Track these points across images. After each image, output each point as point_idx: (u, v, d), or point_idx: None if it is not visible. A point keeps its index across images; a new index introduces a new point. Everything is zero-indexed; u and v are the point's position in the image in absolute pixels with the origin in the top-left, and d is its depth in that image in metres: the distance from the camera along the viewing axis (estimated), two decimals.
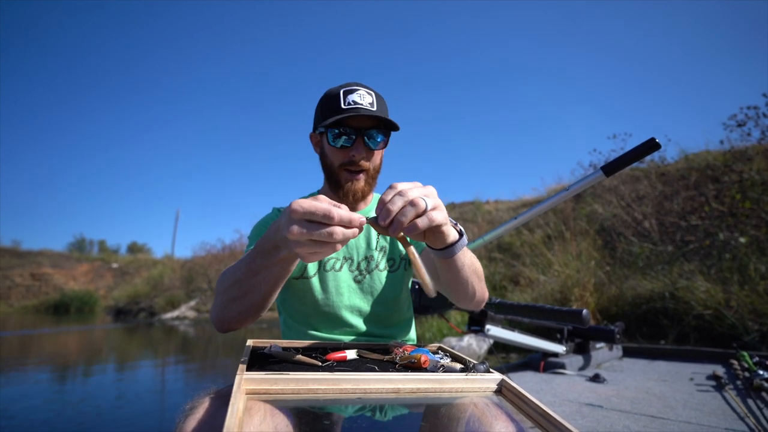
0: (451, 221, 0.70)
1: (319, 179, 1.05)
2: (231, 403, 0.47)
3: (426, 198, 0.59)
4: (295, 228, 0.54)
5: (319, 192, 1.08)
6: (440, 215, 0.61)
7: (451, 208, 12.84)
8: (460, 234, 0.73)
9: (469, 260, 0.79)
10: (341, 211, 0.54)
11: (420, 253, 0.96)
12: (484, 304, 0.93)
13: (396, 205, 0.57)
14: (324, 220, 0.53)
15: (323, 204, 0.54)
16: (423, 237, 0.67)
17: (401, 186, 0.59)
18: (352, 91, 0.91)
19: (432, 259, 0.85)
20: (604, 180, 1.36)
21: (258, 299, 0.72)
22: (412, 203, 0.57)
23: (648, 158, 6.97)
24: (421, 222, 0.58)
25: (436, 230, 0.64)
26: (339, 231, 0.53)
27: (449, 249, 0.71)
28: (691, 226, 5.33)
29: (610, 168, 1.33)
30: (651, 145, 1.26)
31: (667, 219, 5.83)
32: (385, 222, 0.58)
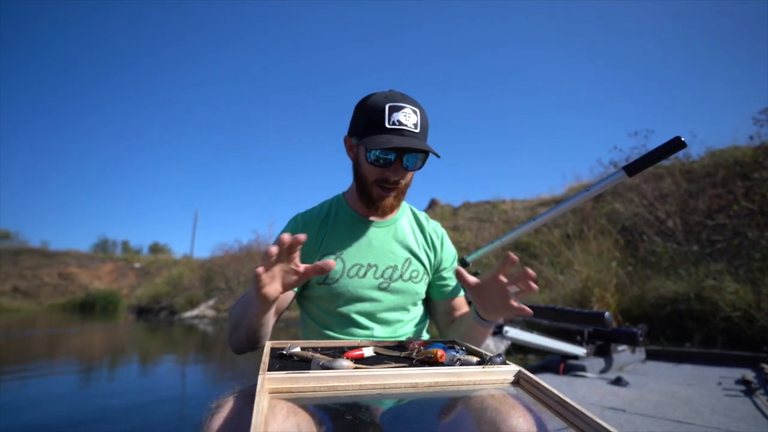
0: None
1: (343, 180, 1.06)
2: (256, 402, 0.48)
3: None
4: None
5: (344, 196, 1.08)
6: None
7: (467, 207, 12.74)
8: None
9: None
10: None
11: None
12: None
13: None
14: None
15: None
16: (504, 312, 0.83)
17: None
18: (397, 108, 0.89)
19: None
20: (626, 179, 1.33)
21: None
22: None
23: (672, 155, 6.76)
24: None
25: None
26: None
27: (495, 322, 0.92)
28: (719, 225, 5.15)
29: (633, 168, 1.29)
30: (676, 144, 1.22)
31: (692, 218, 5.65)
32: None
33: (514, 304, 0.78)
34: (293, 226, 1.02)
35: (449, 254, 1.11)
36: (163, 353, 6.43)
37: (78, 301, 21.23)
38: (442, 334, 1.09)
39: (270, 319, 0.83)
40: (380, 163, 0.91)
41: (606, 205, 7.27)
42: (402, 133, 0.88)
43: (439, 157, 0.92)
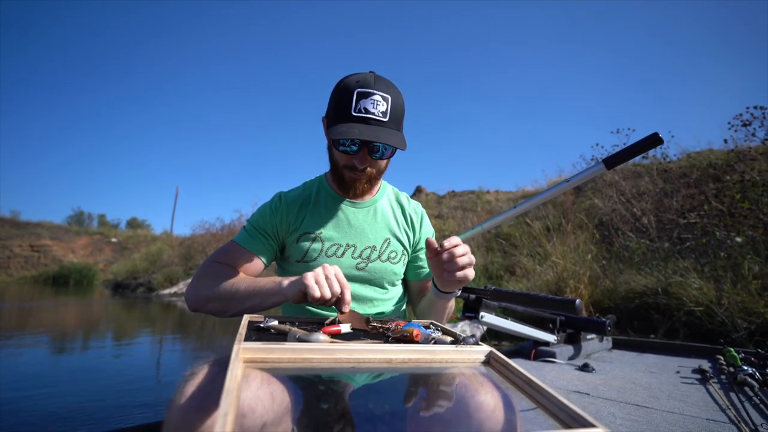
0: None
1: (324, 160, 1.05)
2: (230, 368, 0.48)
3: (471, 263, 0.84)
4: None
5: (326, 176, 1.08)
6: (472, 274, 0.84)
7: (452, 196, 12.83)
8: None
9: (452, 304, 1.04)
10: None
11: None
12: None
13: (466, 262, 0.83)
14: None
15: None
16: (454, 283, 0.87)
17: (466, 248, 0.84)
18: (366, 95, 0.86)
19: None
20: (606, 174, 1.37)
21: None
22: (471, 263, 0.84)
23: (650, 154, 6.94)
24: (469, 274, 0.84)
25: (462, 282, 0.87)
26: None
27: (452, 293, 0.95)
28: (689, 224, 5.35)
29: (612, 161, 1.32)
30: (654, 140, 1.25)
31: (665, 216, 5.85)
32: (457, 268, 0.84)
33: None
34: (276, 204, 1.02)
35: (427, 235, 1.12)
36: (140, 329, 6.35)
37: (51, 274, 20.61)
38: (414, 312, 1.13)
39: None
40: (346, 151, 0.91)
41: (585, 200, 7.45)
42: (367, 121, 0.86)
43: (404, 149, 0.91)
